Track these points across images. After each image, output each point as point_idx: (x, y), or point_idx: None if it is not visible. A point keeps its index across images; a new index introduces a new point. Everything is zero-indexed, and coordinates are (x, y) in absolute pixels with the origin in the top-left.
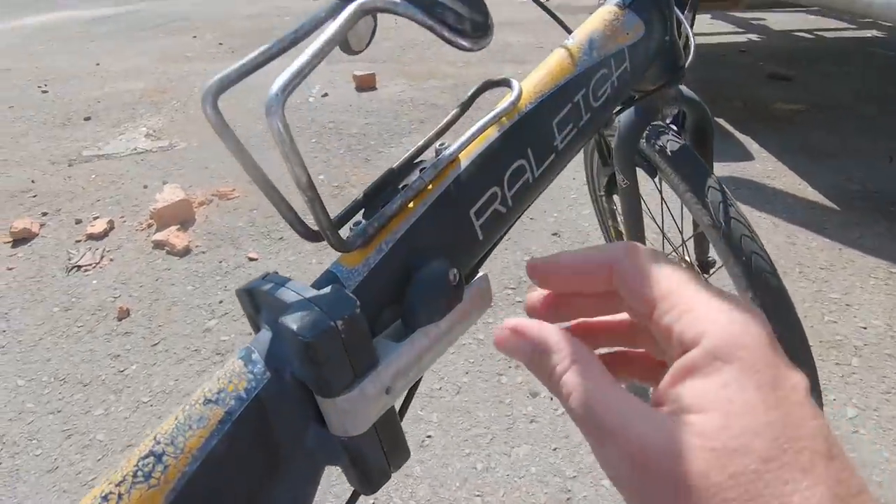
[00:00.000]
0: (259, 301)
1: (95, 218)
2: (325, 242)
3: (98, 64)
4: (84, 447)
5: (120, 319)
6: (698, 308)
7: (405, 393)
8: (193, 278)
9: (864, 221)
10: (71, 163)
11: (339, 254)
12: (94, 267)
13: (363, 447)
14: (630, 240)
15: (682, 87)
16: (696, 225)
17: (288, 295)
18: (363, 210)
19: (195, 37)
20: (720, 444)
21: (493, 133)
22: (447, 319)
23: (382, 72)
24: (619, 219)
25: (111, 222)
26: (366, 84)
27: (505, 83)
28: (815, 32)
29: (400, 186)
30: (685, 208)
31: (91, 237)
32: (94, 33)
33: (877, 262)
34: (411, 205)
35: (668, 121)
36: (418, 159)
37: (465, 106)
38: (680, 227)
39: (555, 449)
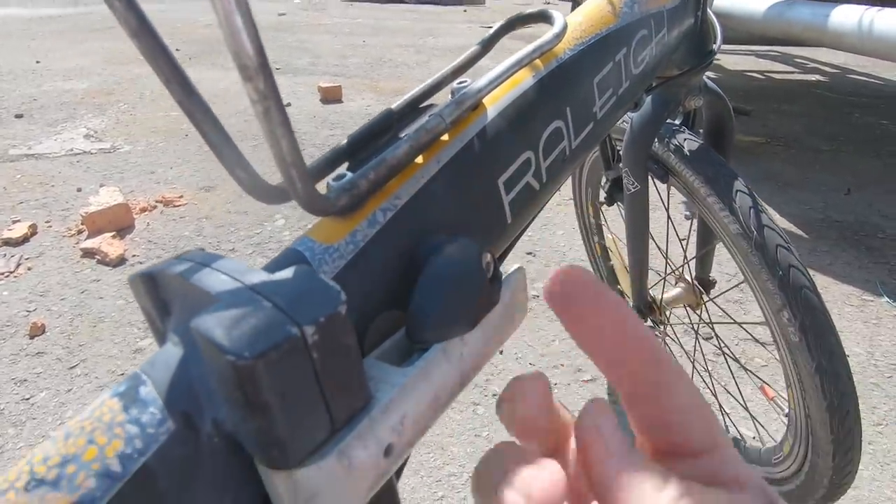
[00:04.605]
0: (166, 294)
1: (15, 221)
2: (289, 210)
3: (38, 62)
4: None
5: (32, 337)
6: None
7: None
8: (126, 291)
9: (832, 250)
10: None
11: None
12: (8, 276)
13: None
14: (631, 253)
15: (705, 78)
16: (702, 241)
17: (215, 280)
18: (347, 164)
19: None
20: None
21: (526, 78)
22: (479, 330)
23: (349, 86)
24: (605, 235)
25: (34, 227)
26: (331, 96)
27: (543, 17)
28: (766, 73)
29: (402, 136)
30: (698, 219)
31: (7, 243)
32: (37, 31)
33: (850, 289)
34: (420, 159)
35: (677, 120)
36: (426, 103)
37: (487, 44)
38: (683, 243)
39: None
